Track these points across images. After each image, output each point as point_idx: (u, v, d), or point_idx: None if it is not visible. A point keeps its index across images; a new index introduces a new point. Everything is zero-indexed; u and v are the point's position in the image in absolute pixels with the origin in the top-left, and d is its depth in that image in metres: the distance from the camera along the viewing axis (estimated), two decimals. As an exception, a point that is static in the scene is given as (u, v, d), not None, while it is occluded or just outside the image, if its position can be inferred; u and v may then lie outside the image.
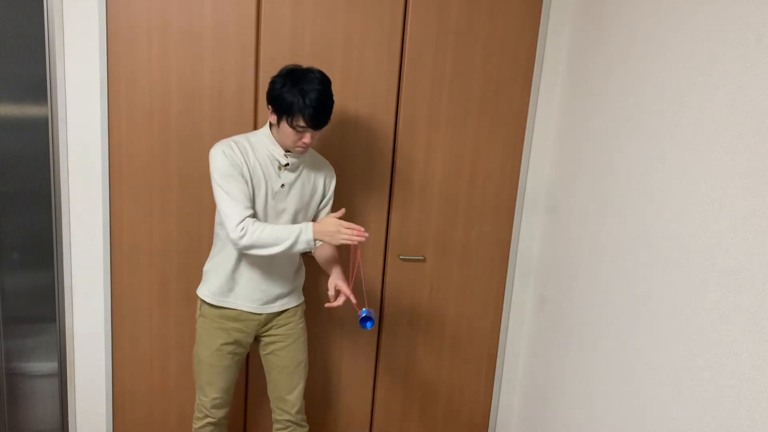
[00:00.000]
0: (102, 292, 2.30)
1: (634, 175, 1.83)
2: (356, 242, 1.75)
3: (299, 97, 1.75)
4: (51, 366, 2.35)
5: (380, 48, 2.26)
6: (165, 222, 2.28)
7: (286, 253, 1.82)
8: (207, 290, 2.01)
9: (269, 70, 2.21)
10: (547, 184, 2.46)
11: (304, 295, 2.16)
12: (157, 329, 2.37)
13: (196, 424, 2.08)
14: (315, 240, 1.80)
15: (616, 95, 1.97)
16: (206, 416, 2.06)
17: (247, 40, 2.18)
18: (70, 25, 2.09)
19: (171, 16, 2.13)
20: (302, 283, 2.14)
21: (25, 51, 2.10)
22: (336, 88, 2.27)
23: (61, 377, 2.35)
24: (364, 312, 1.89)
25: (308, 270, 2.40)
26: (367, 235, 1.75)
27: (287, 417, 2.10)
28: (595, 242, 2.05)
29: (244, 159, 1.85)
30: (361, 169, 2.36)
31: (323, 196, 2.05)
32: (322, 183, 2.03)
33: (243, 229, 1.78)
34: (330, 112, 1.82)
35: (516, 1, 2.30)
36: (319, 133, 1.86)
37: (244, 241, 1.78)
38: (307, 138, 1.83)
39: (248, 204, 1.82)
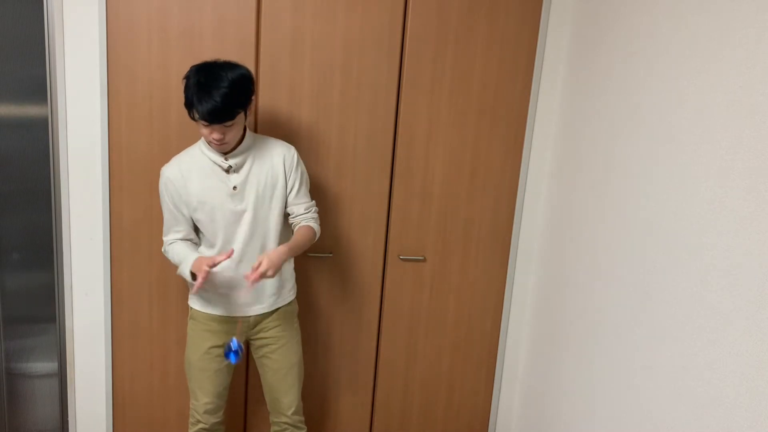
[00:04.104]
0: (102, 291, 2.30)
1: (634, 175, 1.83)
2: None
3: (194, 91, 1.73)
4: (51, 366, 2.35)
5: (380, 48, 2.26)
6: (165, 222, 2.28)
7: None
8: (197, 296, 2.02)
9: (269, 71, 2.21)
10: (547, 184, 2.46)
11: (301, 297, 2.14)
12: (157, 329, 2.37)
13: (190, 430, 2.08)
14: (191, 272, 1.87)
15: (616, 95, 1.97)
16: (198, 422, 2.05)
17: (247, 40, 2.18)
18: (70, 25, 2.09)
19: (171, 15, 2.13)
20: (292, 282, 2.11)
21: (25, 51, 2.10)
22: (335, 88, 2.27)
23: (61, 377, 2.35)
24: (234, 344, 1.85)
25: (304, 271, 2.40)
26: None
27: (283, 419, 2.10)
28: (595, 242, 2.05)
29: (185, 182, 1.88)
30: (361, 169, 2.36)
31: (286, 179, 1.94)
32: (281, 165, 1.93)
33: (163, 248, 2.00)
34: (227, 108, 1.71)
35: (516, 1, 2.30)
36: (231, 129, 1.78)
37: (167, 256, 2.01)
38: (215, 134, 1.76)
39: (174, 230, 1.96)
